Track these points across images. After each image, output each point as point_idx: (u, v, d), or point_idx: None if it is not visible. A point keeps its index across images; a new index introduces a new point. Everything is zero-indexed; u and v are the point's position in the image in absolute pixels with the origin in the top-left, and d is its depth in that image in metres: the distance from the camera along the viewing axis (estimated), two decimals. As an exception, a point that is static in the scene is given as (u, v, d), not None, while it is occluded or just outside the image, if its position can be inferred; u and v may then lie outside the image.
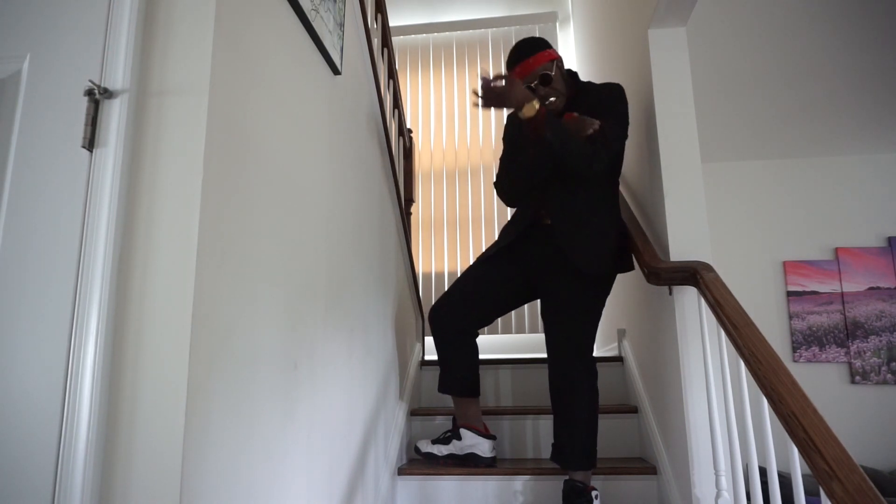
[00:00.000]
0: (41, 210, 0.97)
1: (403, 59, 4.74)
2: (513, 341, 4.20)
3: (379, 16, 2.56)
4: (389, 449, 2.20)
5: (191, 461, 0.90)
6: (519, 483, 2.15)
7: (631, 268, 2.10)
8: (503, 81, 1.89)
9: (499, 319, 3.86)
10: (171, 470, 0.88)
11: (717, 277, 1.64)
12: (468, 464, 2.18)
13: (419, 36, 4.78)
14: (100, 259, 0.93)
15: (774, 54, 3.19)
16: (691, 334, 1.83)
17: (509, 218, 2.26)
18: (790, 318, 4.19)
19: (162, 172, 0.98)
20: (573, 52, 4.52)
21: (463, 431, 2.19)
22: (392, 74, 2.75)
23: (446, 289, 4.31)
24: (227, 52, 1.07)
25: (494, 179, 2.20)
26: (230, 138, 1.07)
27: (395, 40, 4.77)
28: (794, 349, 4.14)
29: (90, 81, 0.98)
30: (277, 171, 1.28)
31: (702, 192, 1.93)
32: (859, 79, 3.40)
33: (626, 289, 2.72)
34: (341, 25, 1.76)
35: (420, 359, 3.01)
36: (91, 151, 0.98)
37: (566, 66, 4.23)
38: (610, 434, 2.43)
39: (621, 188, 2.57)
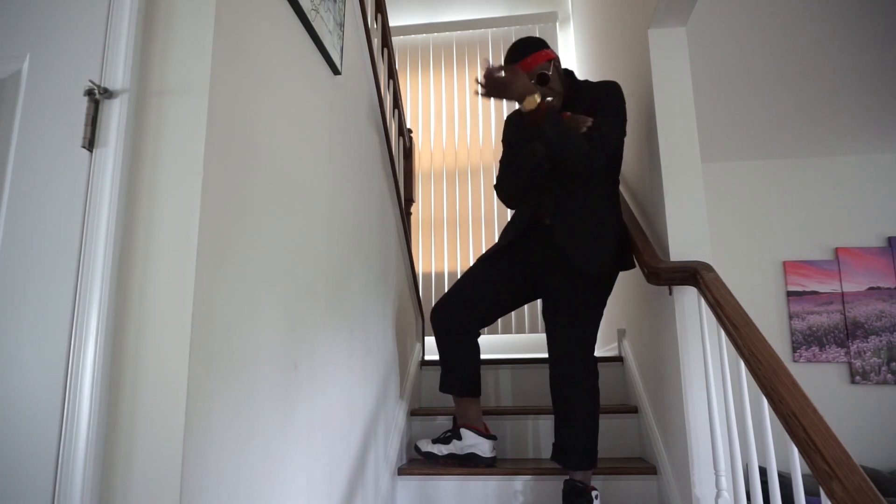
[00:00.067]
0: (41, 210, 0.97)
1: (403, 59, 4.74)
2: (513, 341, 4.20)
3: (379, 16, 2.56)
4: (389, 449, 2.20)
5: (191, 461, 0.90)
6: (519, 483, 2.15)
7: (632, 265, 2.10)
8: (505, 72, 1.89)
9: (499, 319, 3.86)
10: (171, 470, 0.88)
11: (717, 277, 1.64)
12: (468, 464, 2.18)
13: (419, 36, 4.78)
14: (100, 259, 0.93)
15: (774, 54, 3.19)
16: (691, 334, 1.83)
17: (510, 218, 2.26)
18: (790, 318, 4.19)
19: (162, 172, 0.98)
20: (573, 52, 4.52)
21: (463, 431, 2.19)
22: (392, 74, 2.75)
23: (446, 289, 4.32)
24: (227, 52, 1.07)
25: (495, 182, 2.20)
26: (230, 138, 1.07)
27: (395, 40, 4.77)
28: (794, 349, 4.14)
29: (90, 81, 0.98)
30: (277, 171, 1.28)
31: (702, 192, 1.93)
32: (859, 79, 3.40)
33: (626, 289, 2.72)
34: (341, 25, 1.76)
35: (420, 359, 3.01)
36: (91, 151, 0.98)
37: (566, 66, 4.24)
38: (610, 434, 2.43)
39: (621, 188, 2.57)
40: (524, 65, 1.99)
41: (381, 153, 2.33)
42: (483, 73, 1.90)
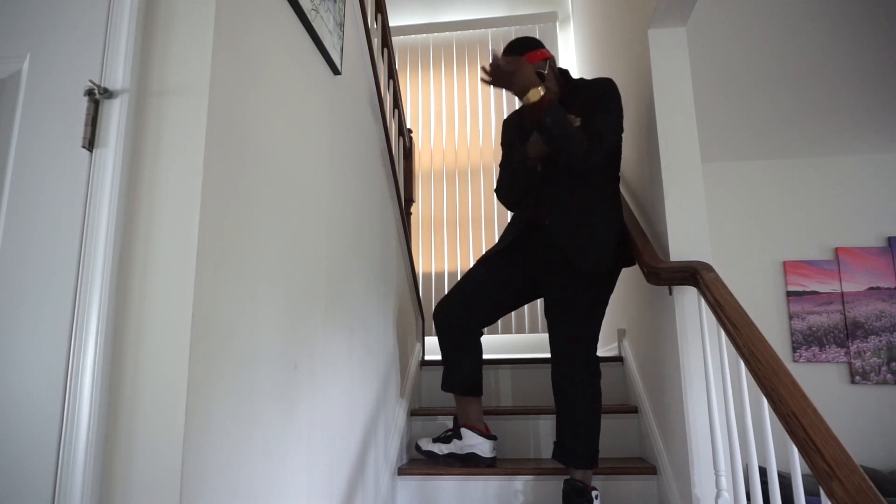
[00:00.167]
0: (41, 210, 0.97)
1: (403, 59, 4.74)
2: (513, 341, 4.20)
3: (379, 16, 2.56)
4: (389, 449, 2.20)
5: (191, 461, 0.90)
6: (519, 483, 2.15)
7: (633, 263, 2.10)
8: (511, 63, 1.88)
9: (499, 319, 3.86)
10: (171, 470, 0.88)
11: (717, 277, 1.64)
12: (468, 463, 2.18)
13: (419, 36, 4.77)
14: (100, 259, 0.93)
15: (774, 54, 3.19)
16: (691, 334, 1.83)
17: (510, 219, 2.26)
18: (790, 318, 4.19)
19: (162, 172, 0.98)
20: (573, 52, 4.52)
21: (464, 431, 2.19)
22: (392, 74, 2.75)
23: (446, 289, 4.32)
24: (227, 52, 1.07)
25: (495, 186, 2.20)
26: (230, 138, 1.07)
27: (395, 40, 4.77)
28: (794, 349, 4.14)
29: (90, 81, 0.98)
30: (277, 171, 1.28)
31: (702, 192, 1.93)
32: (859, 79, 3.40)
33: (626, 289, 2.72)
34: (341, 25, 1.76)
35: (420, 358, 3.01)
36: (91, 151, 0.98)
37: (565, 66, 4.24)
38: (610, 434, 2.44)
39: (621, 188, 2.56)
40: None
41: (381, 153, 2.33)
42: (490, 61, 1.89)
